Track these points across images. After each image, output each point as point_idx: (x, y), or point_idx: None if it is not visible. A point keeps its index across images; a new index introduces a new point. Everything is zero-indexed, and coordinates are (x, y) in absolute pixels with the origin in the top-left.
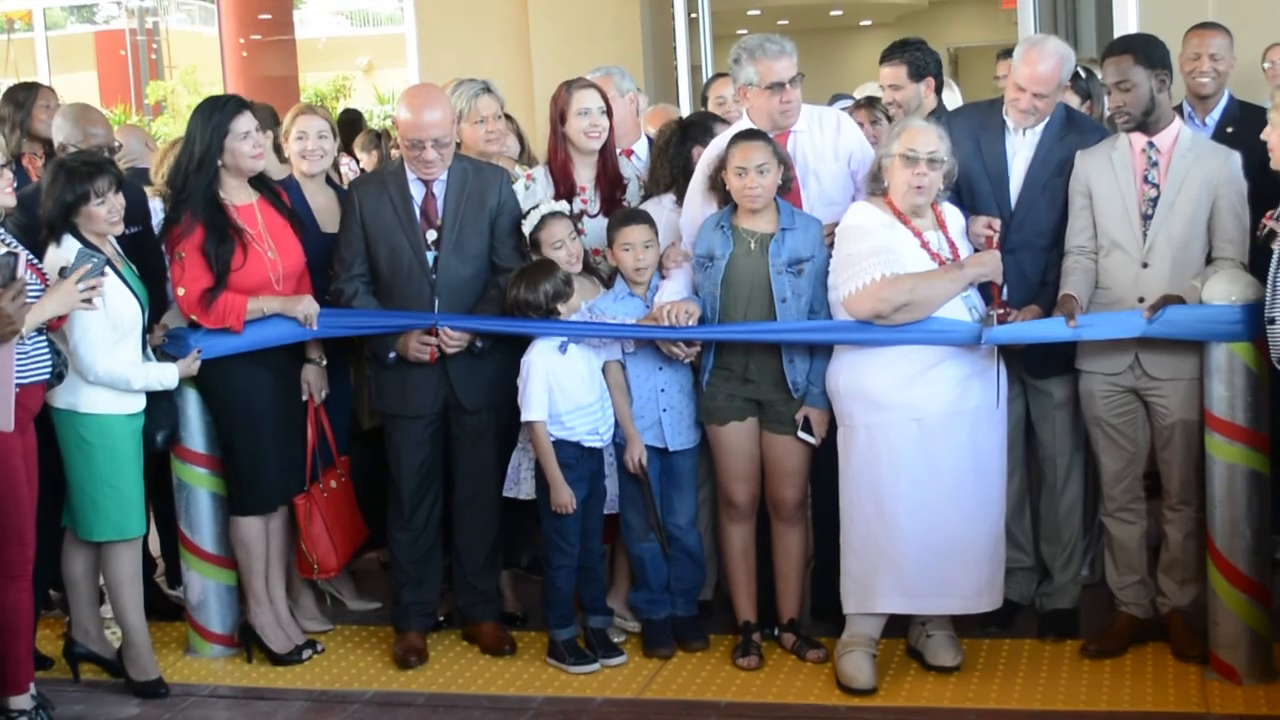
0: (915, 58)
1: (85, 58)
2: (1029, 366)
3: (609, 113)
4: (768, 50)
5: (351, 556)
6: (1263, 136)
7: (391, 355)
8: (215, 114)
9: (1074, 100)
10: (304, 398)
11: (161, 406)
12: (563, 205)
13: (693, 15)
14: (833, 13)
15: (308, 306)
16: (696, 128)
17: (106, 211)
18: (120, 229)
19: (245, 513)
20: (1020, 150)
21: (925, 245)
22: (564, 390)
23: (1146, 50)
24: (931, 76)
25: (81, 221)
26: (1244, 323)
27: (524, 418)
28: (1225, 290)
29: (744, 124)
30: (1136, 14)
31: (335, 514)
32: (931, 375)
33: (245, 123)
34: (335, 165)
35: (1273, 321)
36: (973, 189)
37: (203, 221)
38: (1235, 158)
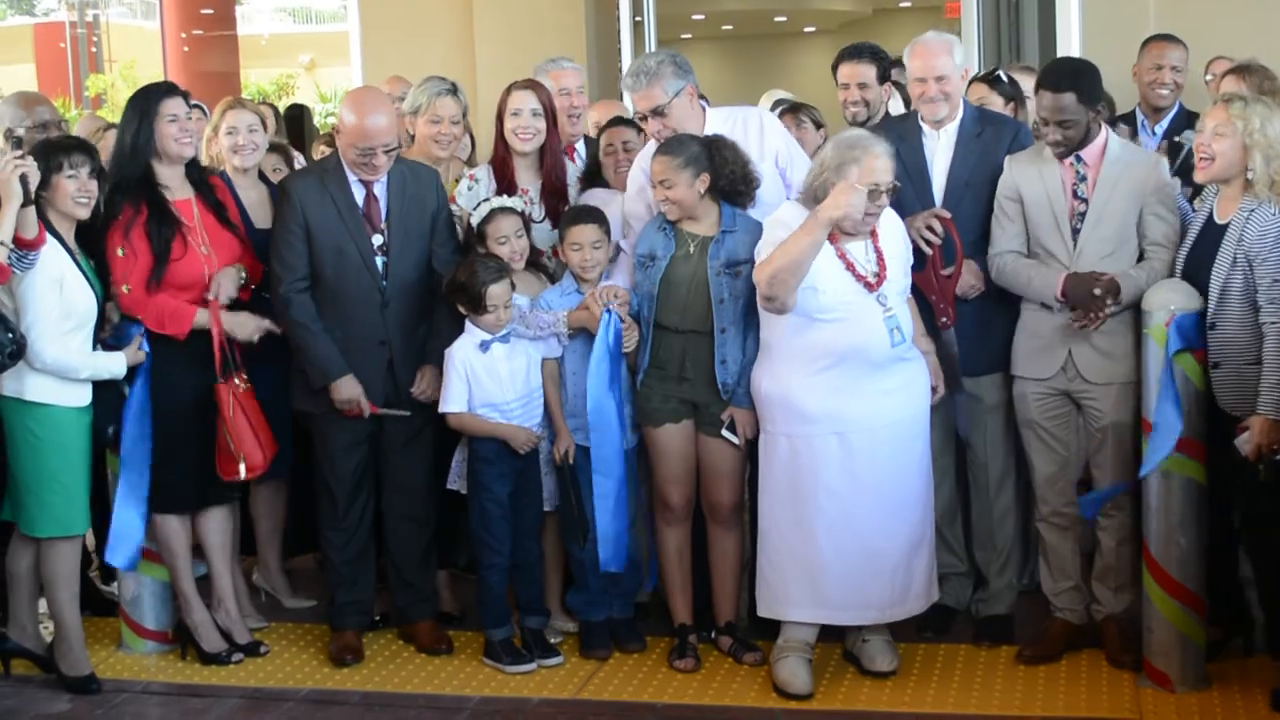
0: (881, 60)
1: (24, 50)
2: (965, 363)
3: (550, 116)
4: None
5: (270, 464)
6: (1196, 142)
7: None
8: (145, 100)
9: (998, 102)
10: (210, 296)
11: (110, 400)
12: (515, 201)
13: (637, 19)
14: (777, 19)
15: (255, 327)
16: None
17: (75, 188)
18: (86, 213)
19: (159, 510)
20: (939, 152)
21: (843, 255)
22: (481, 386)
23: (1090, 89)
24: (890, 83)
25: (49, 195)
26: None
27: (440, 408)
28: (1164, 299)
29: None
30: (1080, 25)
31: (255, 412)
32: (857, 389)
33: (173, 106)
34: (288, 161)
35: (1213, 327)
36: (897, 195)
37: (145, 203)
38: (1162, 163)
